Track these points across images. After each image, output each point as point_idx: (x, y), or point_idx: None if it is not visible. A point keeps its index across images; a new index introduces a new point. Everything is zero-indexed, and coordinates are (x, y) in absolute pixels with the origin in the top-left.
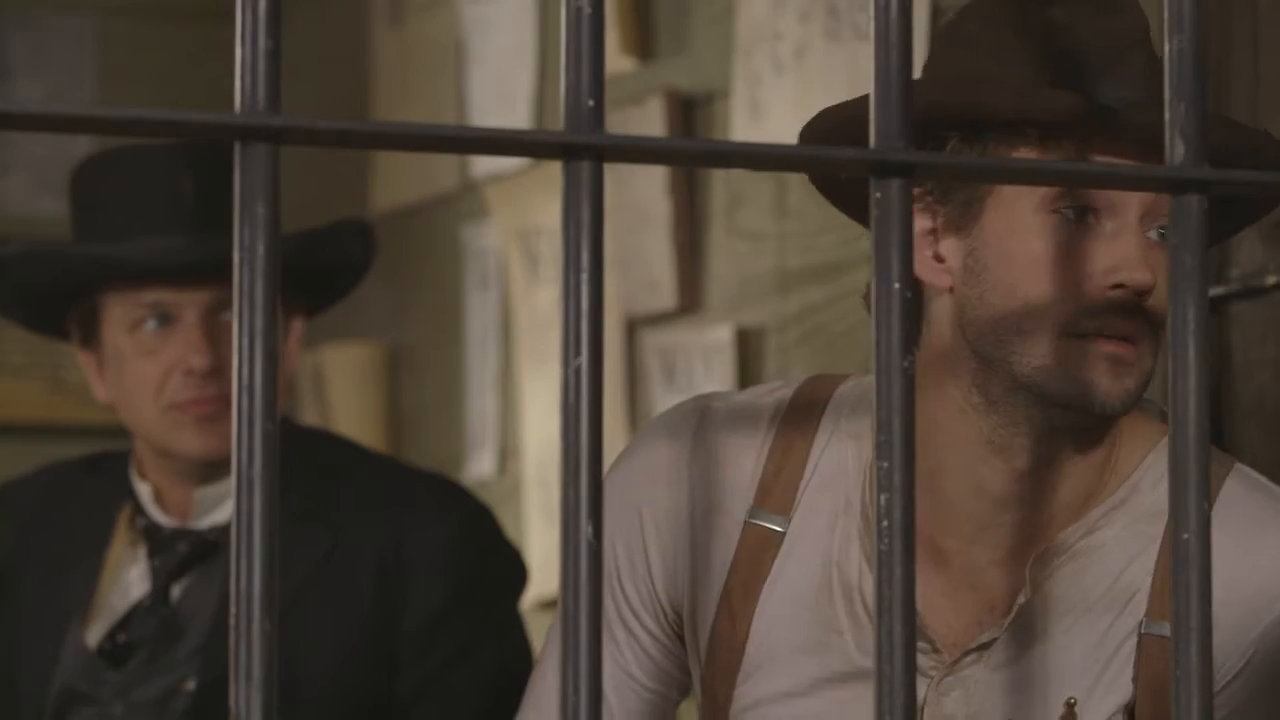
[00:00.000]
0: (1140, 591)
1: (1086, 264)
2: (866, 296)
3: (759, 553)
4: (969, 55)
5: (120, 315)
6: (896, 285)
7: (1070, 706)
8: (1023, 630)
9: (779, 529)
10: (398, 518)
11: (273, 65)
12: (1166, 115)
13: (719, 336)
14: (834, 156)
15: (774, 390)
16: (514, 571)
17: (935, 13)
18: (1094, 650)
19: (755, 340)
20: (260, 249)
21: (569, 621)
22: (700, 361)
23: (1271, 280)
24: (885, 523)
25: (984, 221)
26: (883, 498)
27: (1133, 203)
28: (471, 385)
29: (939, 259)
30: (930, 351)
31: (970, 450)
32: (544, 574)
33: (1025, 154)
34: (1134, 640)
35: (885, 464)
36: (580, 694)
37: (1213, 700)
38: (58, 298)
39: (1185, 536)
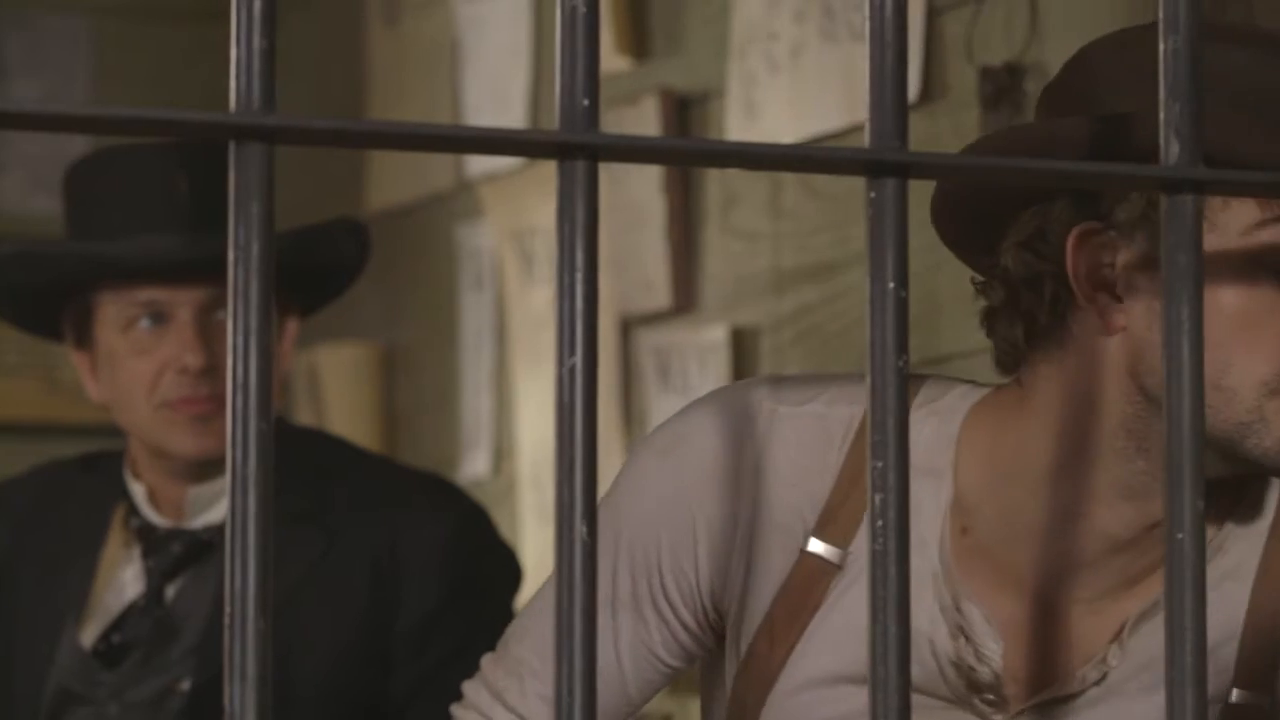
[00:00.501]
0: (1226, 657)
1: None
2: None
3: (812, 582)
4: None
5: (114, 314)
6: (891, 285)
7: None
8: (1103, 692)
9: (836, 562)
10: (393, 518)
11: (267, 64)
12: (1161, 115)
13: (714, 336)
14: (829, 156)
15: (847, 401)
16: (508, 571)
17: (930, 13)
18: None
19: (750, 340)
20: (255, 248)
21: (563, 620)
22: (695, 361)
23: None
24: (880, 522)
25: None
26: (877, 497)
27: None
28: (466, 385)
29: (1118, 298)
30: (1069, 386)
31: (1100, 495)
32: (538, 574)
33: (1255, 207)
34: (1220, 709)
35: (879, 463)
36: (575, 693)
37: (1206, 701)
38: (51, 297)
39: (1180, 536)
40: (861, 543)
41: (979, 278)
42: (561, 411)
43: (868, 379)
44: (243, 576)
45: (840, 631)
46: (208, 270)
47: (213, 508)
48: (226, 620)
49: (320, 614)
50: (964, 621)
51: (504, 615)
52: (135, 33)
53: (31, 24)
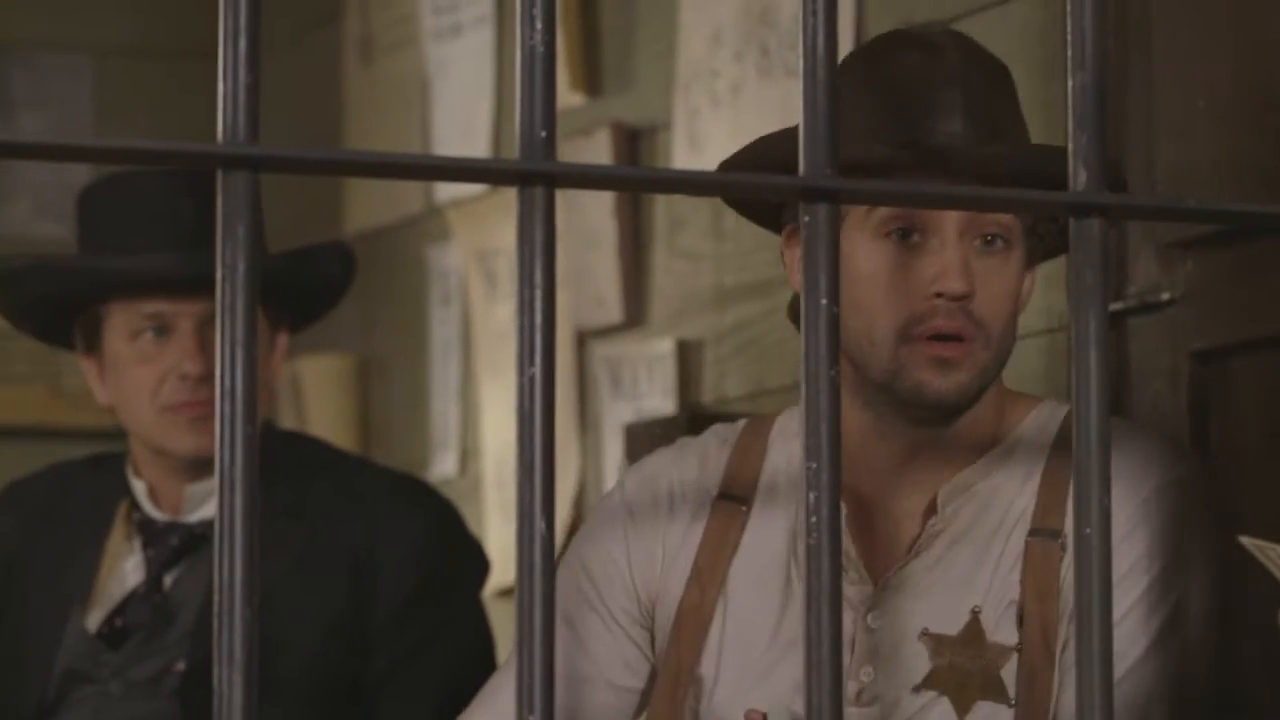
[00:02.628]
0: (1027, 512)
1: (913, 278)
2: (792, 311)
3: (726, 527)
4: None
5: (121, 324)
6: (824, 301)
7: (975, 614)
8: (936, 553)
9: (743, 507)
10: (371, 514)
11: (252, 99)
12: (1070, 145)
13: (661, 348)
14: (766, 183)
15: (732, 424)
16: (477, 563)
17: None
18: (993, 567)
19: (695, 351)
20: (240, 267)
21: (524, 609)
22: (644, 371)
23: (1165, 297)
24: (814, 519)
25: (842, 246)
26: (811, 495)
27: (951, 220)
28: (435, 393)
29: None
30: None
31: (874, 425)
32: (502, 565)
33: None
34: (1021, 548)
35: (814, 465)
36: (535, 678)
37: (1113, 687)
38: (63, 307)
39: (1087, 531)
40: (761, 498)
41: None
42: (522, 416)
43: (802, 386)
44: (230, 568)
45: (753, 573)
46: (208, 285)
47: (208, 503)
48: (215, 608)
49: (303, 603)
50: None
51: (472, 604)
52: (133, 70)
53: (38, 61)
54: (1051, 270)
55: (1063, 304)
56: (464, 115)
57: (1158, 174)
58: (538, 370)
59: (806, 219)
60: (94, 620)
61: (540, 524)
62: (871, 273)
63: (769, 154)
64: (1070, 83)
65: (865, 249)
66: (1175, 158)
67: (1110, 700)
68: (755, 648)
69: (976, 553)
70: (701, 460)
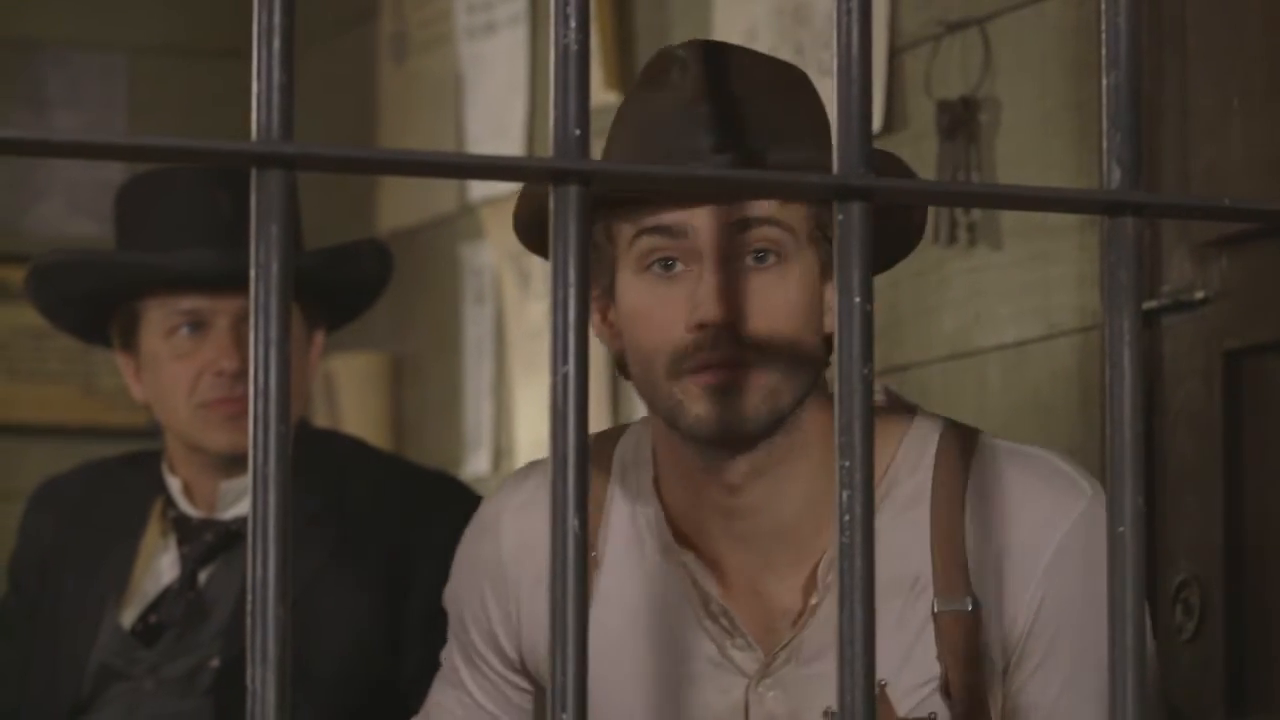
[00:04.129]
0: (923, 576)
1: (676, 310)
2: (618, 364)
3: None
4: (611, 136)
5: (158, 320)
6: (858, 299)
7: (881, 688)
8: (823, 627)
9: (593, 553)
10: (405, 512)
11: (286, 98)
12: (1103, 144)
13: None
14: (800, 182)
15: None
16: None
17: (892, 51)
18: (892, 635)
19: None
20: (274, 266)
21: (557, 606)
22: None
23: (1199, 295)
24: (847, 517)
25: (617, 287)
26: (844, 494)
27: (710, 245)
28: (468, 391)
29: (610, 325)
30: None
31: (697, 476)
32: None
33: (634, 221)
34: (930, 622)
35: (846, 463)
36: (568, 676)
37: (1145, 672)
38: (100, 303)
39: (1120, 529)
40: (609, 557)
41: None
42: (555, 415)
43: (836, 385)
44: (264, 567)
45: (614, 620)
46: (245, 282)
47: (243, 500)
48: (249, 607)
49: (338, 600)
50: (685, 568)
51: None
52: (167, 69)
53: (72, 60)
54: (1086, 269)
55: (1096, 302)
56: (498, 113)
57: (1192, 172)
58: (571, 368)
59: (841, 218)
60: (129, 617)
61: (573, 522)
62: (638, 309)
63: (533, 206)
64: (1104, 81)
65: (631, 285)
66: (1209, 156)
67: (1145, 698)
68: (627, 694)
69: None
70: (541, 517)
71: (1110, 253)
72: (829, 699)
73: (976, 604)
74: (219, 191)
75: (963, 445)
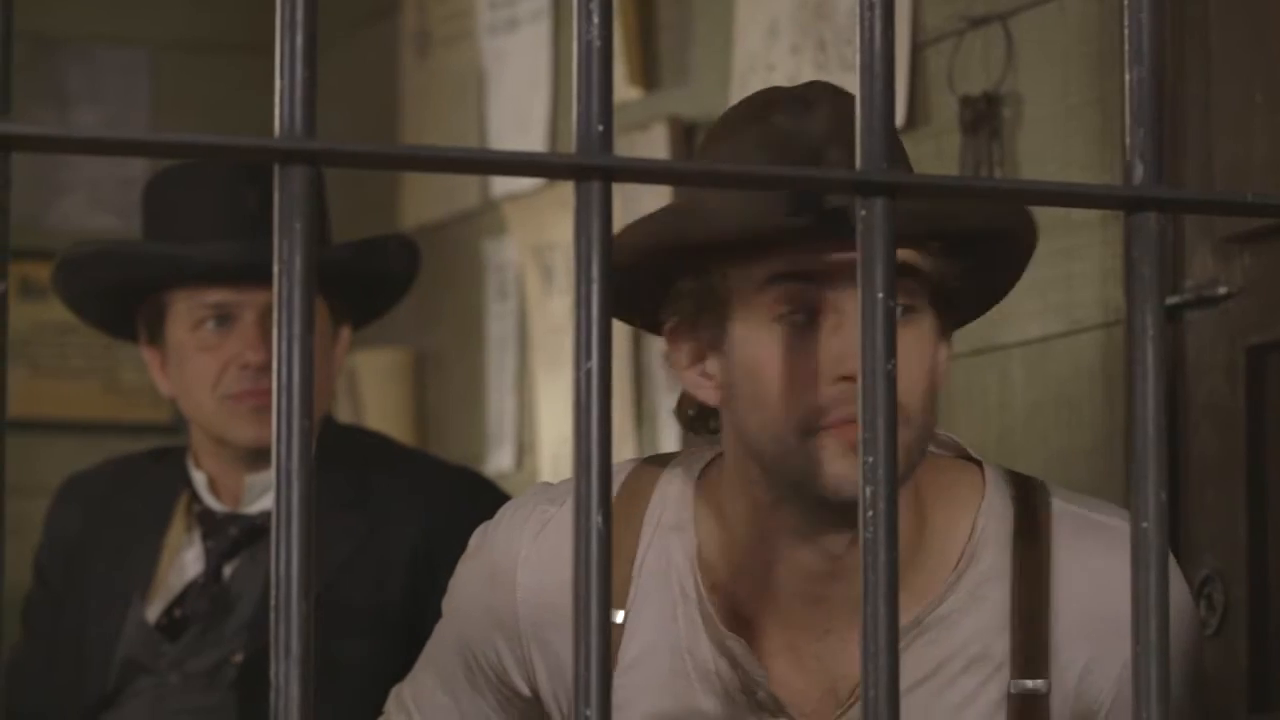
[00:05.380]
0: (1000, 655)
1: (813, 363)
2: (680, 413)
3: None
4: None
5: (184, 313)
6: (880, 295)
7: None
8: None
9: (618, 620)
10: (430, 507)
11: (309, 93)
12: (1126, 140)
13: None
14: (820, 178)
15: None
16: None
17: (915, 46)
18: (959, 713)
19: None
20: (297, 261)
21: (580, 603)
22: None
23: (1222, 291)
24: (870, 512)
25: (731, 337)
26: (867, 490)
27: (850, 295)
28: (491, 387)
29: (708, 376)
30: (729, 458)
31: (784, 540)
32: None
33: (763, 267)
34: (1004, 703)
35: (870, 459)
36: (591, 672)
37: (1169, 673)
38: (127, 296)
39: (1144, 525)
40: (637, 606)
41: None
42: (579, 410)
43: (859, 381)
44: (287, 562)
45: (636, 689)
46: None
47: (268, 495)
48: (272, 602)
49: (362, 595)
50: (730, 653)
51: None
52: (190, 64)
53: (94, 56)
54: (1109, 264)
55: (1119, 298)
56: (520, 109)
57: (1214, 168)
58: (594, 364)
59: (863, 213)
60: (153, 611)
61: (597, 517)
62: (766, 361)
63: (644, 236)
64: (1127, 77)
65: (756, 336)
66: (1232, 151)
67: (1167, 690)
68: None
69: (936, 697)
70: (565, 556)
71: (1133, 248)
72: None
73: (1050, 685)
74: (246, 185)
75: (1041, 515)
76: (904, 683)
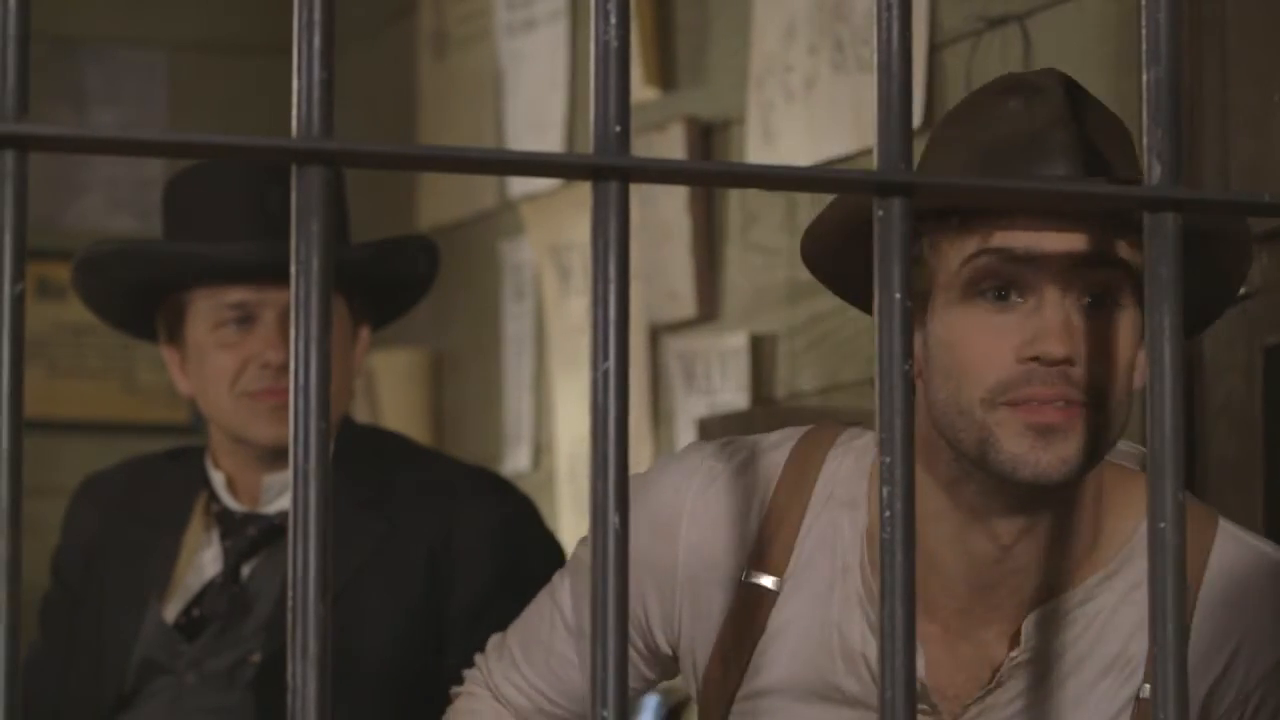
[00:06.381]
0: (1138, 658)
1: (1008, 340)
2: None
3: (754, 608)
4: (934, 152)
5: (204, 313)
6: (897, 295)
7: None
8: (1021, 688)
9: (773, 587)
10: (449, 507)
11: (326, 94)
12: (1144, 140)
13: (735, 342)
14: (840, 179)
15: (775, 447)
16: (553, 559)
17: (932, 47)
18: (1091, 711)
19: (768, 346)
20: (315, 262)
21: (598, 603)
22: (717, 365)
23: (1240, 291)
24: (888, 513)
25: (931, 310)
26: (885, 490)
27: (1051, 277)
28: (509, 387)
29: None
30: (918, 435)
31: (958, 519)
32: None
33: (979, 235)
34: (1132, 705)
35: (888, 459)
36: (608, 672)
37: (1187, 684)
38: (147, 295)
39: (1161, 525)
40: (796, 575)
41: None
42: (596, 411)
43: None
44: (304, 563)
45: (783, 658)
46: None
47: (286, 494)
48: (290, 603)
49: (380, 596)
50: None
51: None
52: (207, 65)
53: (112, 57)
54: None
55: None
56: (538, 110)
57: (1232, 168)
58: (611, 365)
59: (880, 213)
60: (171, 611)
61: (614, 518)
62: (961, 335)
63: (847, 216)
64: (1144, 77)
65: (955, 311)
66: (1249, 152)
67: (1184, 692)
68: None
69: (1075, 691)
70: (730, 517)
71: (1151, 249)
72: None
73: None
74: (268, 185)
75: (1205, 533)
76: (1045, 674)
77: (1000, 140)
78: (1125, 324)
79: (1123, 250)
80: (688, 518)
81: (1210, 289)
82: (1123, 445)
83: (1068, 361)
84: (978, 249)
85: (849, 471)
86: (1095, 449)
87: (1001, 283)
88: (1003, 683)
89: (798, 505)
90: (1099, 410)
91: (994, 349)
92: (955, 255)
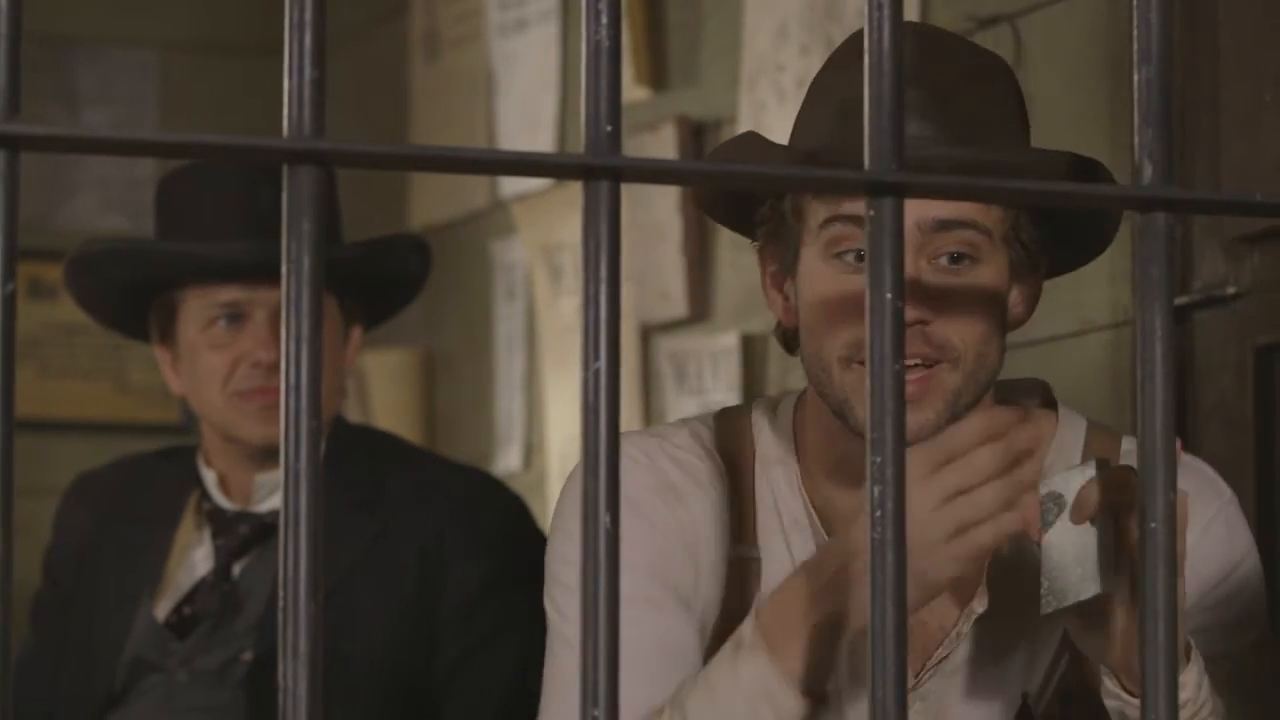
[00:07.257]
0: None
1: (861, 300)
2: (779, 334)
3: (744, 582)
4: (810, 99)
5: (196, 312)
6: (889, 295)
7: (1025, 698)
8: (972, 637)
9: (755, 555)
10: (440, 507)
11: (318, 94)
12: (1135, 140)
13: (726, 342)
14: (831, 178)
15: (694, 431)
16: (544, 558)
17: None
18: (1033, 641)
19: (759, 346)
20: (306, 262)
21: (588, 602)
22: (709, 365)
23: (1231, 291)
24: (879, 512)
25: (799, 267)
26: (875, 490)
27: (909, 241)
28: (500, 387)
29: (785, 297)
30: (810, 383)
31: (856, 468)
32: None
33: (828, 204)
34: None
35: (878, 459)
36: (599, 672)
37: (1177, 679)
38: (139, 294)
39: (1153, 525)
40: (762, 540)
41: None
42: (587, 411)
43: (867, 382)
44: (295, 562)
45: None
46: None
47: (277, 493)
48: (281, 603)
49: (372, 595)
50: None
51: (538, 600)
52: (199, 65)
53: (104, 56)
54: (1117, 265)
55: (1128, 298)
56: (529, 110)
57: (1223, 168)
58: (602, 365)
59: (872, 213)
60: (163, 609)
61: (605, 518)
62: (821, 294)
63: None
64: (1136, 77)
65: (816, 270)
66: (1241, 152)
67: (1174, 689)
68: None
69: (1019, 627)
70: (691, 494)
71: (1142, 248)
72: (968, 705)
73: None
74: (259, 184)
75: (1108, 446)
76: (990, 617)
77: (856, 100)
78: (984, 277)
79: (974, 212)
80: (677, 490)
81: (1070, 234)
82: (1125, 444)
83: (921, 321)
84: (829, 215)
85: (770, 431)
86: (960, 400)
87: (857, 245)
88: (958, 639)
89: (746, 474)
90: (961, 364)
91: (849, 311)
92: (813, 218)
